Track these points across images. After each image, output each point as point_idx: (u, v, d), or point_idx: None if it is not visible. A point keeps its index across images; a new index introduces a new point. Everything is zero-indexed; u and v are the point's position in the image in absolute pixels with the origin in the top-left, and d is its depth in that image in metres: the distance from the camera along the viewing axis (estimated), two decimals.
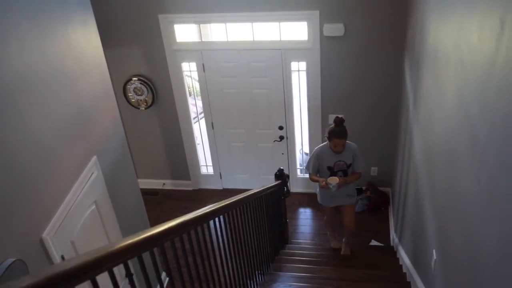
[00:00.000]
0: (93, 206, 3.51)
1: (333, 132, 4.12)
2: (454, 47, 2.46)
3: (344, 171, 4.37)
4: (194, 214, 2.49)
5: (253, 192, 3.86)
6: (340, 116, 4.16)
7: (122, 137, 4.12)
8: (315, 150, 4.49)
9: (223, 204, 3.01)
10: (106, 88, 3.83)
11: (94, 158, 3.50)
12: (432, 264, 2.90)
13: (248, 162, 6.43)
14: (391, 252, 5.04)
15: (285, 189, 5.01)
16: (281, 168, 4.92)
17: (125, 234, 3.93)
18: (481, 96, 1.89)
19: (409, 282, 3.83)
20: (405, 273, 4.12)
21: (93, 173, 3.50)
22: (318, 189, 4.69)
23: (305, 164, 5.28)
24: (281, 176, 4.86)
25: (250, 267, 3.74)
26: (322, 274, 4.27)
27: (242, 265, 3.50)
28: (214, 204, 2.90)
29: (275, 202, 4.83)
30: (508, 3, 1.58)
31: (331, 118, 5.56)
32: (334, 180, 4.17)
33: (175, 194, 6.71)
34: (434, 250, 2.89)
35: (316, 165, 4.42)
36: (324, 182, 4.19)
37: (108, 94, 3.87)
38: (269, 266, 4.38)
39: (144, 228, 4.42)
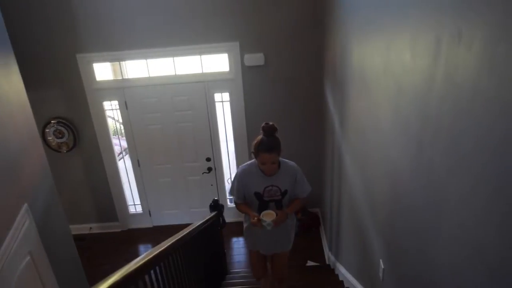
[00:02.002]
0: (28, 257, 3.29)
1: (261, 144, 3.10)
2: (384, 67, 2.60)
3: (277, 202, 3.37)
4: (138, 263, 2.25)
5: (191, 228, 3.65)
6: (270, 123, 3.17)
7: (51, 183, 3.92)
8: (239, 168, 3.46)
9: (165, 246, 2.77)
10: (32, 132, 3.65)
11: (25, 206, 3.30)
12: (380, 274, 2.99)
13: (177, 197, 6.32)
14: (329, 270, 5.13)
15: (221, 220, 4.97)
16: (215, 198, 4.88)
17: (62, 285, 3.72)
18: (422, 109, 2.01)
19: None
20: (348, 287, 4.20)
21: (25, 221, 3.29)
22: (244, 224, 3.71)
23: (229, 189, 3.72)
24: (216, 207, 4.82)
25: None
26: None
27: None
28: (154, 249, 2.59)
29: (213, 234, 4.78)
30: (440, 18, 1.73)
31: None
32: (269, 217, 3.20)
33: (104, 237, 6.43)
34: (381, 260, 2.98)
35: (240, 190, 3.39)
36: (255, 218, 3.19)
37: (34, 138, 3.69)
38: None
39: (79, 277, 4.26)
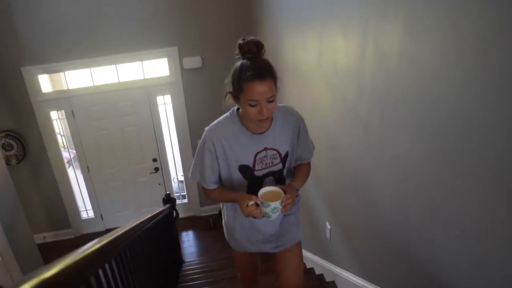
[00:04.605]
0: None
1: (243, 69, 1.76)
2: (319, 53, 2.91)
3: (276, 175, 2.05)
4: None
5: (147, 217, 3.32)
6: (251, 37, 1.86)
7: (13, 190, 3.93)
8: (206, 131, 1.96)
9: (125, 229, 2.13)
10: None
11: None
12: (328, 235, 3.30)
13: (127, 199, 6.37)
14: None
15: (175, 212, 5.12)
16: (168, 193, 5.04)
17: None
18: (357, 82, 2.32)
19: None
20: None
21: None
22: (225, 217, 2.25)
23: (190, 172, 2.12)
24: (170, 200, 4.97)
25: None
26: (229, 275, 4.44)
27: None
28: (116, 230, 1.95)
29: (168, 225, 4.92)
30: (366, 8, 2.05)
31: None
32: (273, 197, 1.83)
33: (58, 245, 6.35)
34: (327, 222, 3.29)
35: (215, 167, 1.99)
36: (250, 205, 1.81)
37: None
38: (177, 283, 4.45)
39: None
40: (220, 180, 2.06)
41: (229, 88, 1.86)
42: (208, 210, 6.65)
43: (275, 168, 2.02)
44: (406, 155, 1.87)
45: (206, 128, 1.97)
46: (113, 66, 5.43)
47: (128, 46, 5.27)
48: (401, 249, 2.09)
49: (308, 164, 2.20)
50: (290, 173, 2.14)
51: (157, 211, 4.10)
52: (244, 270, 2.51)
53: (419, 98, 1.68)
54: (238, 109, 1.97)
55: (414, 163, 1.81)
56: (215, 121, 1.99)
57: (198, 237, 6.40)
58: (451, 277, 1.65)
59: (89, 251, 1.44)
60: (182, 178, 6.62)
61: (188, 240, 6.39)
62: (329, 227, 3.26)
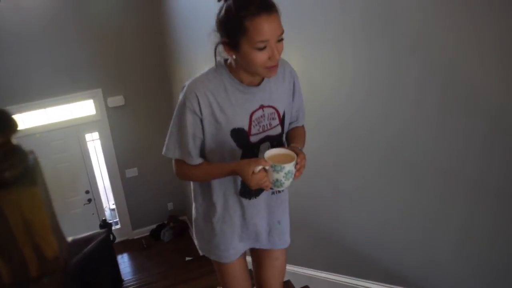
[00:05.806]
0: None
1: (248, 0, 1.28)
2: None
3: (275, 141, 1.62)
4: None
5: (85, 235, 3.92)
6: None
7: None
8: (189, 84, 1.48)
9: None
10: None
11: None
12: None
13: (64, 230, 6.58)
14: (206, 259, 5.86)
15: (112, 236, 5.52)
16: (104, 218, 5.44)
17: None
18: None
19: None
20: None
21: None
22: (197, 216, 1.79)
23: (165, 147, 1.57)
24: (106, 225, 5.38)
25: None
26: (166, 284, 4.86)
27: None
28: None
29: (107, 248, 5.30)
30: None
31: (128, 172, 6.31)
32: (283, 159, 1.43)
33: None
34: None
35: (196, 135, 1.50)
36: (258, 171, 1.37)
37: None
38: None
39: None
40: (198, 153, 1.55)
41: (220, 37, 1.41)
42: (140, 232, 7.03)
43: (273, 132, 1.59)
44: (315, 153, 2.26)
45: (187, 83, 1.50)
46: (43, 109, 5.78)
47: (55, 91, 5.59)
48: (314, 226, 2.59)
49: (303, 127, 1.79)
50: (291, 136, 1.71)
51: (93, 232, 4.49)
52: (238, 283, 1.90)
53: (319, 109, 2.14)
54: (226, 60, 1.50)
55: (322, 158, 2.28)
56: (198, 75, 1.51)
57: (132, 257, 6.74)
58: (356, 239, 2.16)
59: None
60: (113, 207, 6.99)
61: (124, 262, 6.70)
62: None
